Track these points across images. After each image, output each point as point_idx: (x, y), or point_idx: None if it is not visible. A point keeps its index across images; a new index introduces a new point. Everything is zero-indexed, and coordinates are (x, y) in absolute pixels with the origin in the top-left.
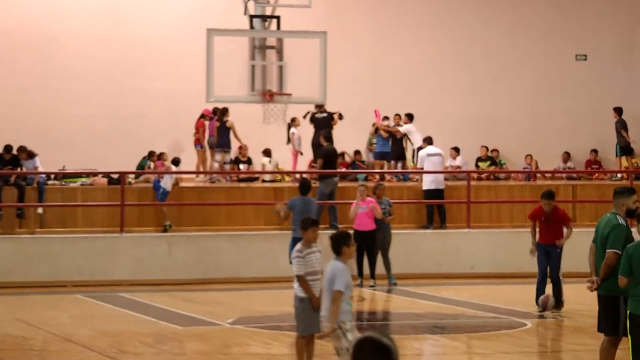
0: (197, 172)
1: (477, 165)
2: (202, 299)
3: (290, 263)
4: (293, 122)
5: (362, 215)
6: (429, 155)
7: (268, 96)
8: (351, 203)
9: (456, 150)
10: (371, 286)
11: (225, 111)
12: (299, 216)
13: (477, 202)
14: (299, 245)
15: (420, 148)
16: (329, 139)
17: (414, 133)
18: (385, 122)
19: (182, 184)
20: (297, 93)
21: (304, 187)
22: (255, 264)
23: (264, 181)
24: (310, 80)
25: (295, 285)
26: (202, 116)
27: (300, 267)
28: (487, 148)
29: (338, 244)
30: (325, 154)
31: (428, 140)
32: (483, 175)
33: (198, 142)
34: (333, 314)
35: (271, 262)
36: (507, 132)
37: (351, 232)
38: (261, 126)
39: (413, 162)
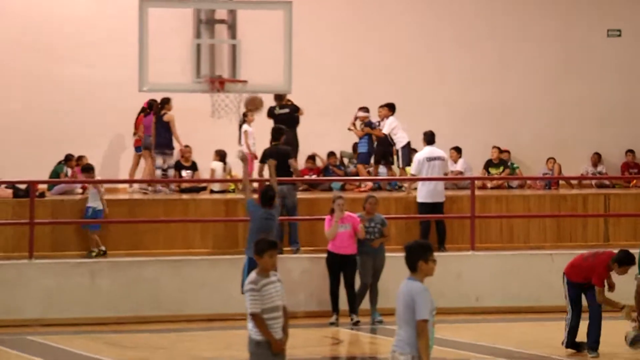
0: (130, 181)
1: (487, 172)
2: (134, 342)
3: (242, 293)
4: (246, 118)
5: (344, 236)
6: (430, 159)
7: (217, 84)
8: (322, 219)
9: (457, 151)
10: (353, 324)
11: (166, 102)
12: (257, 230)
13: (483, 217)
14: (253, 275)
15: (407, 147)
16: (277, 137)
17: (397, 128)
18: (363, 115)
19: (108, 197)
20: (254, 80)
21: (266, 197)
22: (201, 298)
23: (212, 192)
24: (270, 63)
25: (250, 325)
26: (142, 110)
27: (256, 302)
28: (499, 149)
29: (413, 258)
30: (264, 156)
31: (428, 138)
32: (491, 183)
33: (139, 143)
34: (424, 352)
35: (221, 295)
36: (521, 130)
37: (324, 255)
38: (209, 122)
39: (398, 165)
